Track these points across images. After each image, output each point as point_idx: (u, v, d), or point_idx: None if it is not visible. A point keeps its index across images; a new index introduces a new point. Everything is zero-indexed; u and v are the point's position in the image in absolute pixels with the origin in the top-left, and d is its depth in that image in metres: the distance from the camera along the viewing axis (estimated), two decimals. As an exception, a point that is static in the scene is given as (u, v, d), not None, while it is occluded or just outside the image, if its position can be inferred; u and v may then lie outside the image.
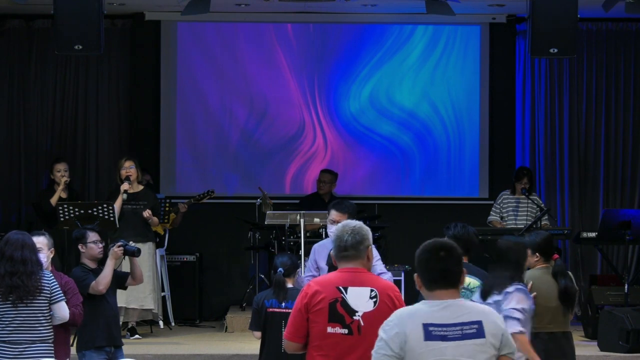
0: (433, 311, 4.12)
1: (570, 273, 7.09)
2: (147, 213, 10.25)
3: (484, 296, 6.36)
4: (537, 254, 7.00)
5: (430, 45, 12.46)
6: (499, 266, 6.46)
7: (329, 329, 5.07)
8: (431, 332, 4.07)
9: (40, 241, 6.89)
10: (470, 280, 6.56)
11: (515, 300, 6.23)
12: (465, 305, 4.17)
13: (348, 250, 5.15)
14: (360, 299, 5.08)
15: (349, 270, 5.15)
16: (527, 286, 6.56)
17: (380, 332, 4.15)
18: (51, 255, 7.02)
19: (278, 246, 10.99)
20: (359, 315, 5.06)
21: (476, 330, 4.10)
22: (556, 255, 7.12)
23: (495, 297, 6.27)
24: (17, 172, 12.28)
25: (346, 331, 5.07)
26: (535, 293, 6.67)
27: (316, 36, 12.50)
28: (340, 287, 5.10)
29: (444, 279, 4.15)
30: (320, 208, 9.83)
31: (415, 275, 4.23)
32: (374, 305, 5.07)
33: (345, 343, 5.06)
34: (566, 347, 7.01)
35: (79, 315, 6.93)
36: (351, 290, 5.10)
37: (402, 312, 4.22)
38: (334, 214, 7.47)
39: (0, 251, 6.54)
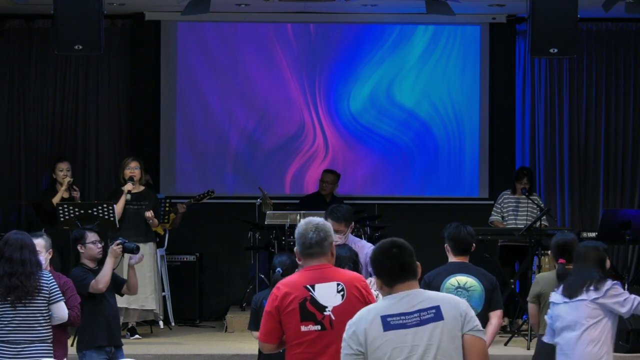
0: (391, 303, 4.31)
1: None
2: (149, 214, 10.26)
3: (572, 294, 6.59)
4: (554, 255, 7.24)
5: (430, 45, 12.46)
6: (583, 267, 6.72)
7: (303, 328, 5.17)
8: (389, 322, 4.26)
9: (38, 243, 6.89)
10: (467, 280, 6.61)
11: (623, 290, 6.69)
12: (422, 293, 4.35)
13: (313, 248, 5.24)
14: (328, 295, 5.18)
15: (314, 267, 5.25)
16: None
17: (344, 334, 4.37)
18: (49, 257, 7.02)
19: (278, 246, 10.98)
20: (329, 311, 5.16)
21: (434, 314, 4.26)
22: (562, 260, 7.15)
23: (593, 295, 6.56)
24: (17, 172, 12.27)
25: (319, 327, 5.16)
26: None
27: (316, 36, 12.50)
28: (308, 286, 5.20)
29: (402, 272, 4.36)
30: (321, 208, 9.82)
31: (374, 277, 4.46)
32: (342, 298, 5.17)
33: (322, 339, 5.16)
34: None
35: (76, 316, 6.93)
36: (318, 287, 5.20)
37: (362, 310, 4.42)
38: (331, 223, 7.47)
39: (-1, 252, 6.55)
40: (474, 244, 6.85)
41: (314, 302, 5.17)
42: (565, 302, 6.65)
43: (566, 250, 7.07)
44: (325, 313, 5.16)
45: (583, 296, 6.59)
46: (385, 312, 4.30)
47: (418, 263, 4.43)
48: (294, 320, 5.17)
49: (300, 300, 5.18)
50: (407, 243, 4.44)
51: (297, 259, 5.40)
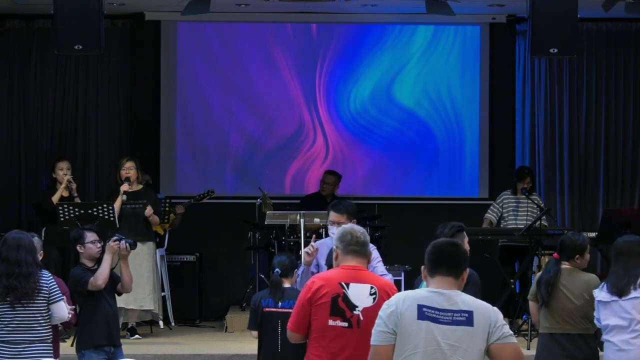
0: (430, 295, 4.47)
1: (582, 279, 7.16)
2: (149, 211, 10.25)
3: (621, 292, 6.61)
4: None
5: (430, 45, 12.46)
6: (628, 262, 6.70)
7: (330, 322, 5.37)
8: (424, 313, 4.42)
9: None
10: None
11: None
12: (460, 296, 4.49)
13: (358, 246, 5.46)
14: (360, 295, 5.37)
15: (350, 267, 5.44)
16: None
17: (380, 312, 4.54)
18: (40, 258, 7.01)
19: (278, 246, 10.98)
20: (358, 310, 5.35)
21: (466, 318, 4.41)
22: (556, 255, 7.20)
23: (634, 294, 6.59)
24: (17, 172, 12.28)
25: (346, 324, 5.35)
26: None
27: (316, 36, 12.50)
28: (343, 283, 5.38)
29: (446, 265, 4.51)
30: (321, 208, 9.83)
31: (422, 267, 4.61)
32: (374, 301, 5.34)
33: (346, 336, 5.35)
34: (575, 348, 7.06)
35: (73, 315, 6.96)
36: (352, 286, 5.38)
37: (401, 294, 4.59)
38: (332, 215, 7.48)
39: (-2, 252, 6.55)
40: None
41: (346, 299, 5.37)
42: (614, 300, 6.64)
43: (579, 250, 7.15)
44: (354, 312, 5.36)
45: (636, 293, 6.57)
46: (422, 302, 4.46)
47: (469, 271, 4.63)
48: (324, 313, 5.37)
49: (333, 295, 5.37)
50: (464, 248, 4.65)
51: (334, 257, 5.56)
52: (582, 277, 7.17)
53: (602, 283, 6.82)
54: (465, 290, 6.51)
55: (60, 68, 12.26)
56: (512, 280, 10.65)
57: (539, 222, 10.44)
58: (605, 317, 6.70)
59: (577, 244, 7.23)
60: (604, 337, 6.77)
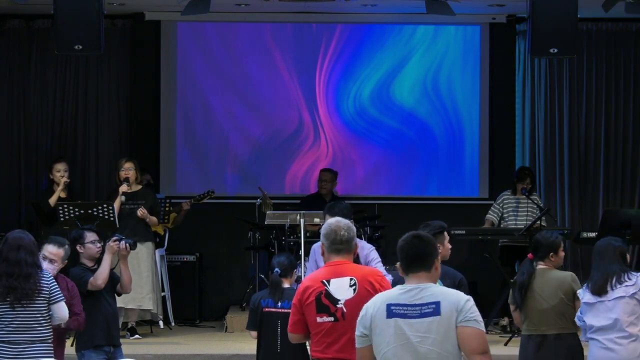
0: (398, 294, 4.77)
1: (558, 277, 7.16)
2: (140, 212, 10.24)
3: (600, 292, 6.65)
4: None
5: (430, 45, 12.46)
6: (602, 262, 6.75)
7: (318, 319, 5.59)
8: (392, 311, 4.72)
9: (57, 252, 6.95)
10: None
11: None
12: (428, 288, 4.75)
13: (342, 244, 5.66)
14: (341, 289, 5.58)
15: (334, 264, 5.66)
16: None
17: (358, 317, 4.84)
18: (61, 267, 7.04)
19: (278, 246, 10.99)
20: (341, 304, 5.56)
21: (433, 309, 4.68)
22: (530, 255, 7.24)
23: (631, 290, 6.62)
24: (17, 172, 12.27)
25: (332, 319, 5.57)
26: None
27: (316, 36, 12.50)
28: (324, 281, 5.61)
29: (415, 262, 4.79)
30: (320, 208, 9.79)
31: (398, 264, 4.92)
32: (354, 292, 5.55)
33: (335, 329, 5.56)
34: (553, 349, 7.06)
35: (83, 320, 7.00)
36: (333, 281, 5.60)
37: (377, 296, 4.90)
38: (327, 217, 7.50)
39: (-1, 251, 6.55)
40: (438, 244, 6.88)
41: (329, 295, 5.58)
42: (600, 301, 6.64)
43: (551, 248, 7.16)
44: (338, 306, 5.56)
45: (620, 292, 6.58)
46: (391, 300, 4.75)
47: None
48: (312, 312, 5.59)
49: (316, 293, 5.59)
50: (430, 237, 4.90)
51: (321, 254, 5.78)
52: (555, 276, 7.15)
53: (585, 284, 6.84)
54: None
55: (60, 68, 12.25)
56: (512, 281, 10.64)
57: (538, 222, 10.44)
58: (590, 318, 6.71)
59: (550, 242, 7.23)
60: (589, 335, 6.77)
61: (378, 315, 4.75)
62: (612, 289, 6.67)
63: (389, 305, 4.74)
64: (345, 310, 5.53)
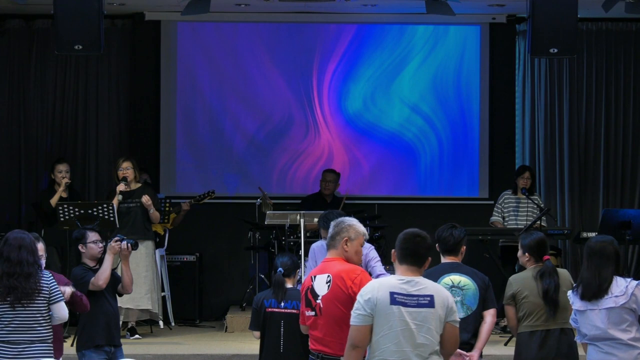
0: (399, 283, 5.33)
1: (560, 274, 7.06)
2: (145, 198, 10.22)
3: (592, 298, 6.45)
4: (526, 254, 7.13)
5: (430, 45, 12.46)
6: (598, 265, 6.50)
7: (307, 313, 5.99)
8: (395, 299, 5.28)
9: (42, 248, 6.92)
10: (460, 279, 6.73)
11: None
12: (423, 282, 5.36)
13: (329, 240, 6.09)
14: (321, 285, 5.92)
15: (325, 260, 6.04)
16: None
17: (358, 297, 5.33)
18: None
19: (278, 246, 10.99)
20: (319, 299, 5.90)
21: (428, 302, 5.29)
22: (546, 257, 7.11)
23: (621, 301, 6.42)
24: (17, 172, 12.28)
25: (313, 313, 5.93)
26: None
27: (316, 36, 12.50)
28: (312, 276, 6.00)
29: (412, 257, 5.37)
30: (321, 208, 9.82)
31: (393, 250, 5.43)
32: (328, 288, 5.88)
33: (317, 322, 5.92)
34: (557, 344, 7.02)
35: (86, 302, 6.98)
36: (317, 277, 5.96)
37: (375, 282, 5.42)
38: (322, 231, 7.54)
39: (-1, 251, 6.55)
40: (463, 246, 6.88)
41: (312, 290, 5.96)
42: (590, 309, 6.48)
43: (539, 248, 7.08)
44: (317, 301, 5.91)
45: (610, 302, 6.44)
46: (394, 289, 5.29)
47: (430, 259, 5.41)
48: (304, 306, 6.02)
49: (305, 289, 6.00)
50: (430, 239, 5.44)
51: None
52: (559, 272, 7.10)
53: (575, 286, 6.67)
54: (487, 294, 6.73)
55: (60, 68, 12.26)
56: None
57: (538, 222, 10.44)
58: (582, 325, 6.61)
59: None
60: (586, 340, 6.67)
61: (382, 300, 5.26)
62: (602, 297, 6.45)
63: (392, 293, 5.27)
64: (322, 305, 5.87)
